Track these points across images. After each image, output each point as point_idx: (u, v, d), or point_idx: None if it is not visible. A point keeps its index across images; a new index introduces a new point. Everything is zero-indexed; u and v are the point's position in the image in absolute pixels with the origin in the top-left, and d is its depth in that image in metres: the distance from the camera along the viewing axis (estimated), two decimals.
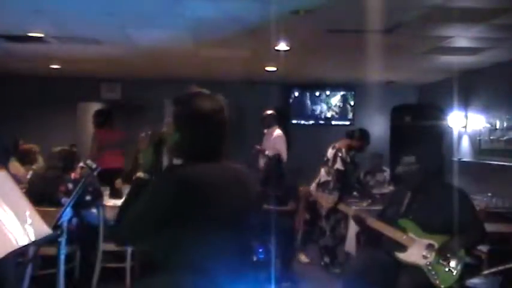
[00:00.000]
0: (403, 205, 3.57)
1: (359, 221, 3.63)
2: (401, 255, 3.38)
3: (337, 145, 5.77)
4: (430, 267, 3.28)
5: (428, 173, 3.57)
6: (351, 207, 3.93)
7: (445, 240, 3.31)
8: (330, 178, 5.66)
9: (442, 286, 3.23)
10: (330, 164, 5.70)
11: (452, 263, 3.27)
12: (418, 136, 6.36)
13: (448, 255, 3.27)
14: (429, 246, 3.34)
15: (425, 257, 3.32)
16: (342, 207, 3.87)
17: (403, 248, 3.39)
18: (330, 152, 5.77)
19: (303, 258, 6.20)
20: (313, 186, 5.88)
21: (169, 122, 1.91)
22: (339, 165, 5.62)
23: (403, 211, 3.54)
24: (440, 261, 3.28)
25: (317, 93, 9.39)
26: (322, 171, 5.76)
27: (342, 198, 5.03)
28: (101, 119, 7.52)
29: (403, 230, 3.43)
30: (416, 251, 3.35)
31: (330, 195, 3.98)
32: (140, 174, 1.90)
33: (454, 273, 3.25)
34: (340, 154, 5.66)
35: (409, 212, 3.51)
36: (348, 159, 5.70)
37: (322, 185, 5.69)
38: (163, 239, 1.77)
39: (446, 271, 3.26)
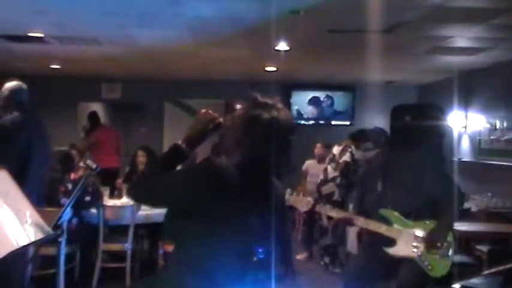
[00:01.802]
0: (377, 193, 3.46)
1: (347, 223, 3.60)
2: (392, 250, 3.34)
3: (344, 143, 5.84)
4: (422, 258, 3.26)
5: (390, 156, 3.54)
6: (330, 208, 3.79)
7: (430, 228, 3.26)
8: (337, 173, 5.70)
9: (438, 275, 3.22)
10: (337, 158, 5.73)
11: (443, 250, 3.25)
12: (418, 136, 6.34)
13: (439, 245, 3.25)
14: (417, 238, 3.30)
15: (415, 248, 3.29)
16: (320, 209, 3.75)
17: (392, 242, 3.34)
18: (337, 149, 5.82)
19: (301, 256, 6.22)
20: (320, 180, 5.89)
21: (233, 118, 1.88)
22: (346, 157, 5.67)
23: (380, 200, 3.42)
24: (431, 251, 3.26)
25: (317, 93, 9.39)
26: (329, 167, 5.79)
27: (318, 201, 4.97)
28: (93, 121, 7.65)
29: (387, 222, 3.36)
30: (405, 244, 3.29)
31: (305, 199, 3.86)
32: (181, 143, 1.87)
33: (447, 259, 3.24)
34: (349, 149, 5.73)
35: (386, 201, 3.39)
36: (357, 156, 5.77)
37: (331, 181, 5.71)
38: (180, 232, 1.79)
39: (439, 259, 3.25)
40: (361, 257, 3.66)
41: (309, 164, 6.83)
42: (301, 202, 3.78)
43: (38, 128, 3.65)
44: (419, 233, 3.30)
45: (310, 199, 3.89)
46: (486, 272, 3.71)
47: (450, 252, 3.25)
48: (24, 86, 3.71)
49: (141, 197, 1.95)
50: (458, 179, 4.75)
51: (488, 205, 5.60)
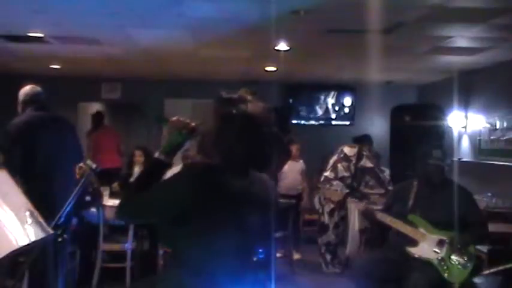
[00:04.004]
0: (408, 202, 3.58)
1: (369, 215, 3.64)
2: (413, 250, 3.39)
3: (357, 145, 5.93)
4: (442, 263, 3.29)
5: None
6: (354, 208, 3.95)
7: (455, 235, 3.32)
8: (348, 174, 5.74)
9: (454, 281, 3.24)
10: (354, 160, 5.77)
11: (464, 259, 3.28)
12: (418, 136, 6.37)
13: (462, 250, 3.28)
14: (440, 242, 3.35)
15: (436, 252, 3.33)
16: (350, 202, 3.90)
17: (413, 243, 3.40)
18: (350, 150, 5.86)
19: (297, 256, 6.25)
20: (323, 177, 5.91)
21: (207, 119, 1.88)
22: (365, 162, 5.74)
23: (410, 208, 3.54)
24: (452, 256, 3.30)
25: (317, 93, 9.38)
26: (340, 166, 5.81)
27: (350, 194, 5.08)
28: (97, 121, 7.67)
29: (413, 225, 3.44)
30: (427, 246, 3.37)
31: (338, 190, 3.99)
32: (158, 155, 1.88)
33: (466, 269, 3.26)
34: (365, 153, 5.77)
35: (416, 208, 3.51)
36: (372, 158, 5.85)
37: (340, 179, 5.75)
38: (175, 237, 1.78)
39: (458, 266, 3.27)
40: (376, 257, 3.67)
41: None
42: (335, 193, 3.89)
43: (48, 125, 3.91)
44: (443, 238, 3.33)
45: (342, 191, 4.04)
46: (486, 272, 3.71)
47: (470, 263, 3.27)
48: (38, 88, 4.08)
49: (132, 215, 1.92)
50: (458, 179, 4.75)
51: (488, 205, 5.59)
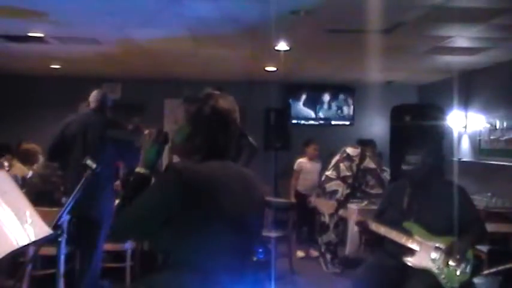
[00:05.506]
0: (403, 206, 3.53)
1: (363, 226, 3.60)
2: (410, 260, 3.34)
3: (360, 147, 5.97)
4: (439, 271, 3.25)
5: (430, 173, 3.54)
6: (352, 212, 3.91)
7: (451, 241, 3.28)
8: (349, 173, 5.76)
9: (454, 287, 3.21)
10: (356, 161, 5.80)
11: (462, 265, 3.25)
12: (418, 136, 6.36)
13: (457, 256, 3.25)
14: (437, 249, 3.30)
15: (434, 261, 3.28)
16: (343, 213, 3.87)
17: (410, 252, 3.36)
18: (353, 151, 5.88)
19: (302, 255, 6.26)
20: (324, 176, 5.92)
21: (179, 120, 1.90)
22: (370, 164, 5.79)
23: (404, 213, 3.49)
24: (450, 263, 3.26)
25: (317, 93, 9.39)
26: (342, 165, 5.83)
27: (341, 204, 5.07)
28: None
29: (408, 233, 3.40)
30: (425, 255, 3.30)
31: (330, 201, 3.97)
32: (140, 169, 1.88)
33: (464, 275, 3.23)
34: (368, 153, 5.80)
35: (411, 214, 3.45)
36: (375, 159, 5.88)
37: (342, 178, 5.77)
38: (166, 238, 1.77)
39: (456, 273, 3.24)
40: (373, 264, 3.63)
41: (301, 163, 6.87)
42: (326, 205, 3.88)
43: (87, 123, 4.33)
44: (440, 245, 3.30)
45: (334, 202, 4.00)
46: (486, 272, 3.70)
47: (468, 268, 3.25)
48: (101, 92, 4.77)
49: (128, 234, 1.94)
50: (458, 179, 4.75)
51: (488, 205, 5.59)
